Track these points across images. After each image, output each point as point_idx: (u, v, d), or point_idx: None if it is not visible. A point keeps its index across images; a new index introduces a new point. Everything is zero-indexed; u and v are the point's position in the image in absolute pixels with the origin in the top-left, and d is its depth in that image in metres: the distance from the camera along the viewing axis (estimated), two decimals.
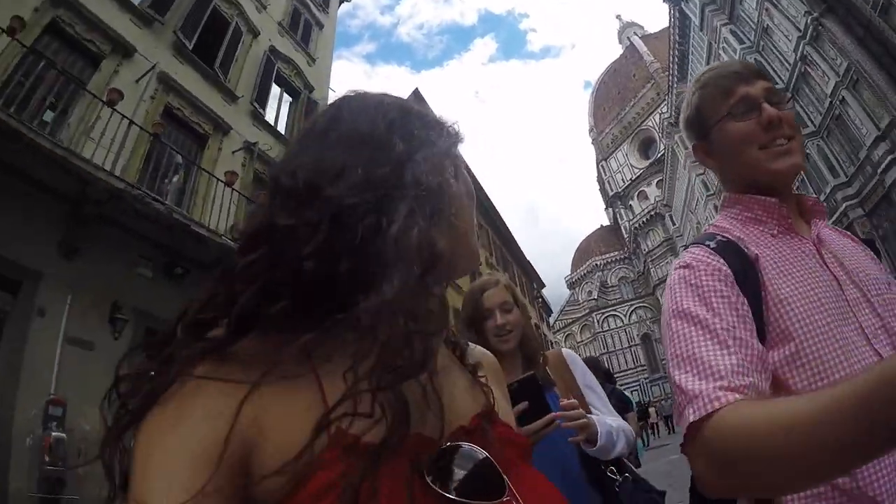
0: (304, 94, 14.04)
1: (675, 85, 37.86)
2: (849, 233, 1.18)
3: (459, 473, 0.55)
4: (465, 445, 0.58)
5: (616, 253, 66.43)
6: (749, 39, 25.51)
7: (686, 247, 1.12)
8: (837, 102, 20.70)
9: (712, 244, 1.03)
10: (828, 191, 22.21)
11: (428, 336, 0.59)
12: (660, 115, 51.25)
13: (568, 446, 1.59)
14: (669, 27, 35.28)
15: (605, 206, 71.21)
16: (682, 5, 30.43)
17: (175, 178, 9.15)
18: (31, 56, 6.93)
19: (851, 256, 1.06)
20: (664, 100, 47.30)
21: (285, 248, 0.56)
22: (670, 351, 0.90)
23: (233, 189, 9.16)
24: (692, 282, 0.95)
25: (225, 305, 0.54)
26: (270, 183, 0.64)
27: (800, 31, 21.28)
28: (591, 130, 70.18)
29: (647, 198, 61.85)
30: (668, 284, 1.02)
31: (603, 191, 70.02)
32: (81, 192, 6.66)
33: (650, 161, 60.34)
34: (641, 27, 70.90)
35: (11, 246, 6.17)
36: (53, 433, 5.75)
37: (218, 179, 9.23)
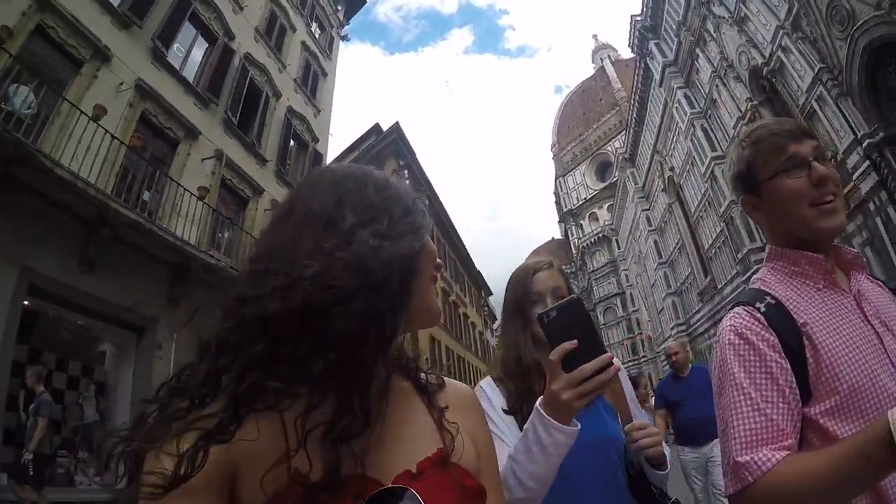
0: (312, 145, 16.77)
1: (633, 125, 41.57)
2: (880, 280, 1.28)
3: None
4: (402, 489, 0.66)
5: (564, 266, 70.25)
6: (699, 106, 29.24)
7: (737, 304, 1.21)
8: None
9: (762, 307, 1.14)
10: (744, 252, 26.40)
11: (368, 401, 0.68)
12: (620, 142, 54.73)
13: (614, 453, 1.49)
14: (635, 73, 38.70)
15: (558, 220, 75.36)
16: (647, 60, 33.79)
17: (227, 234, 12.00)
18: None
19: (888, 307, 1.18)
20: (624, 129, 50.58)
21: (251, 324, 0.66)
22: (724, 415, 1.08)
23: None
24: (742, 354, 1.09)
25: (212, 379, 0.67)
26: (246, 262, 0.75)
27: (741, 112, 25.13)
28: (553, 146, 74.06)
29: (597, 220, 66.04)
30: (721, 345, 1.14)
31: (558, 205, 73.96)
32: (184, 262, 9.55)
33: (605, 184, 64.53)
34: (615, 51, 74.38)
35: (135, 299, 8.94)
36: None
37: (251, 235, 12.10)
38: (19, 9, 8.27)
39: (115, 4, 9.97)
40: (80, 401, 8.60)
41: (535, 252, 74.81)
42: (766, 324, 1.11)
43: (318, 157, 16.59)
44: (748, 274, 25.98)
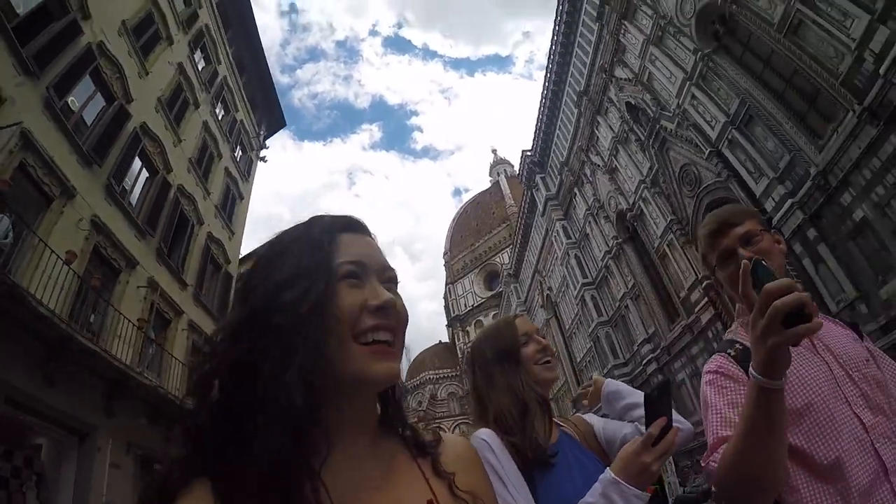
0: (224, 267, 18.63)
1: (517, 246, 46.37)
2: (838, 320, 1.67)
3: None
4: None
5: (448, 370, 72.55)
6: (575, 237, 33.94)
7: (715, 352, 1.61)
8: (623, 306, 28.96)
9: (732, 352, 1.52)
10: (609, 367, 30.20)
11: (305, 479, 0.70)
12: (508, 255, 59.36)
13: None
14: (521, 201, 43.57)
15: (446, 324, 78.36)
16: (534, 192, 38.54)
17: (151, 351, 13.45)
18: None
19: (838, 341, 1.52)
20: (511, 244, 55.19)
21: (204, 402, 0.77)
22: (706, 432, 1.42)
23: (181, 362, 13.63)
24: (717, 383, 1.47)
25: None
26: None
27: (608, 247, 29.56)
28: (445, 253, 78.65)
29: (483, 327, 69.07)
30: (703, 383, 1.54)
31: (447, 309, 77.23)
32: (122, 379, 11.01)
33: (492, 293, 68.81)
34: (512, 166, 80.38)
35: (80, 409, 10.43)
36: None
37: (175, 358, 13.65)
38: (7, 148, 9.82)
39: (81, 144, 11.78)
40: (24, 488, 9.77)
41: (422, 354, 77.02)
42: (736, 363, 1.47)
43: (229, 278, 18.40)
44: None
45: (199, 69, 18.38)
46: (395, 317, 0.84)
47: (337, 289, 0.81)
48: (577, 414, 2.09)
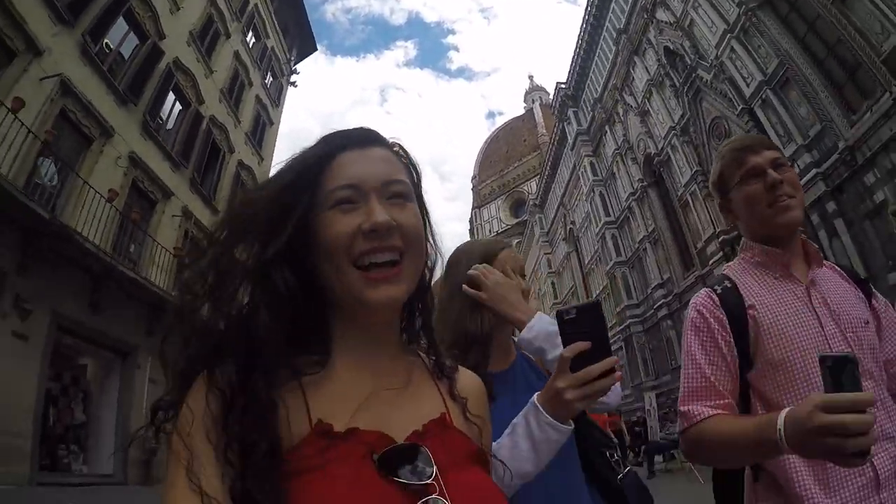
0: None
1: (546, 176, 46.36)
2: (845, 273, 1.59)
3: (404, 464, 0.72)
4: (416, 445, 0.75)
5: None
6: (602, 175, 34.04)
7: (705, 285, 1.62)
8: (642, 249, 29.43)
9: (719, 290, 1.50)
10: (622, 307, 31.12)
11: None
12: (535, 184, 59.13)
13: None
14: (552, 133, 43.20)
15: None
16: (565, 125, 38.27)
17: None
18: None
19: (838, 296, 1.47)
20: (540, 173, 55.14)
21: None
22: (681, 376, 1.48)
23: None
24: (697, 325, 1.48)
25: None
26: None
27: (633, 189, 29.70)
28: (473, 178, 78.34)
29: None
30: (686, 317, 1.55)
31: (472, 234, 77.66)
32: (159, 303, 12.04)
33: (517, 220, 69.00)
34: (548, 94, 78.10)
35: (123, 331, 11.74)
36: None
37: None
38: (49, 97, 10.58)
39: (117, 85, 12.45)
40: (72, 405, 11.22)
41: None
42: (718, 303, 1.47)
43: None
44: (623, 325, 30.84)
45: None
46: (397, 235, 0.82)
47: (325, 217, 0.81)
48: None
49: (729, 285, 1.49)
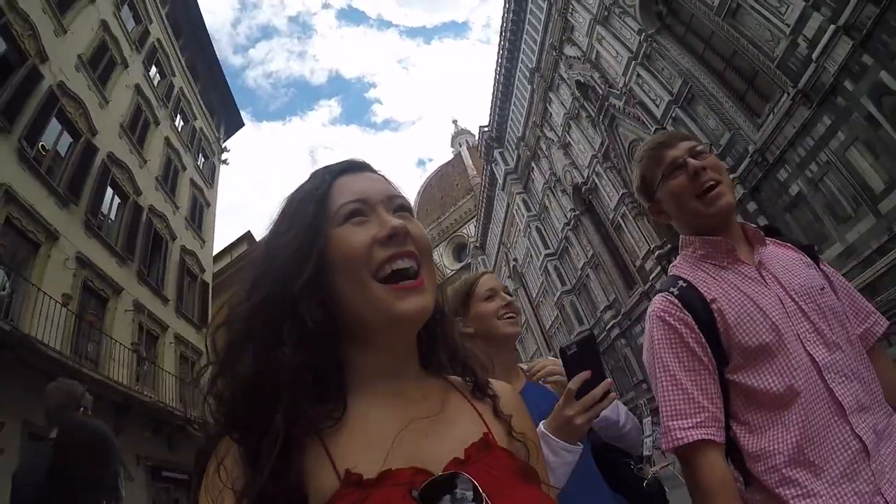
0: (200, 277, 19.42)
1: (482, 219, 47.76)
2: (789, 244, 1.57)
3: (444, 495, 0.67)
4: (454, 474, 0.71)
5: None
6: (534, 209, 35.01)
7: (657, 292, 1.50)
8: (585, 275, 30.33)
9: (676, 291, 1.42)
10: (575, 333, 31.56)
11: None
12: (474, 226, 59.21)
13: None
14: (482, 176, 44.35)
15: None
16: (493, 166, 39.39)
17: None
18: None
19: (788, 270, 1.43)
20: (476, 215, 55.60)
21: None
22: (657, 392, 1.38)
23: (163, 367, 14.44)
24: (664, 334, 1.38)
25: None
26: None
27: (566, 219, 30.65)
28: None
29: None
30: (648, 329, 1.45)
31: None
32: (121, 403, 11.77)
33: (461, 265, 69.41)
34: (473, 136, 78.86)
35: None
36: None
37: (165, 371, 14.42)
38: None
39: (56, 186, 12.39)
40: None
41: None
42: (680, 305, 1.38)
43: (206, 286, 19.28)
44: None
45: (156, 84, 18.86)
46: (411, 243, 0.83)
47: (338, 232, 0.81)
48: None
49: (684, 284, 1.44)
